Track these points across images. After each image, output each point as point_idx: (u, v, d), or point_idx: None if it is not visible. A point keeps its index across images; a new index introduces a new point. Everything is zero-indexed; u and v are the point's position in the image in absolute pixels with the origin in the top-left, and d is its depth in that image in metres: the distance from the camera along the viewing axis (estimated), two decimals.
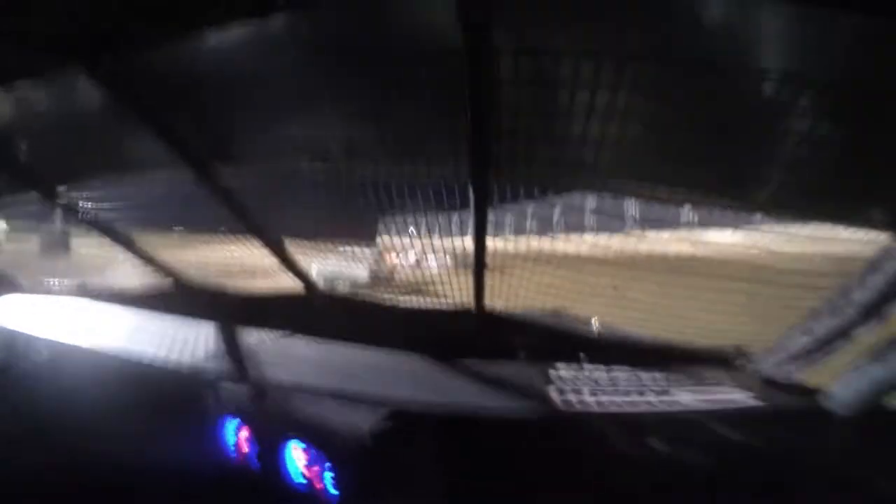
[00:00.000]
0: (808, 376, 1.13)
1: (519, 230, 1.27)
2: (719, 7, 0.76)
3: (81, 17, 0.83)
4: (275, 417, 1.06)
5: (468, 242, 1.31)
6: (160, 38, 0.89)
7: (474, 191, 1.13)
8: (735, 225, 1.16)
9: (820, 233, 1.06)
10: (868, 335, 0.99)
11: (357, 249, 1.72)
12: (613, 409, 1.04)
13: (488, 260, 1.36)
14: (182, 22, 0.85)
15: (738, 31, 0.78)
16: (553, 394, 1.09)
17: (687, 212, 1.24)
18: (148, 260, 1.82)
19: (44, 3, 0.81)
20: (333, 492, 0.97)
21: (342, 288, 1.83)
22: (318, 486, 0.99)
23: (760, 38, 0.78)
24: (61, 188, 1.55)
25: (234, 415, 1.09)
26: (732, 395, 1.11)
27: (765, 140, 0.93)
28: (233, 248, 1.65)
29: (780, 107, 0.86)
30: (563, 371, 1.27)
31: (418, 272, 1.74)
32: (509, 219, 1.27)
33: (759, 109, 0.88)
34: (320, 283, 1.70)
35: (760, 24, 0.76)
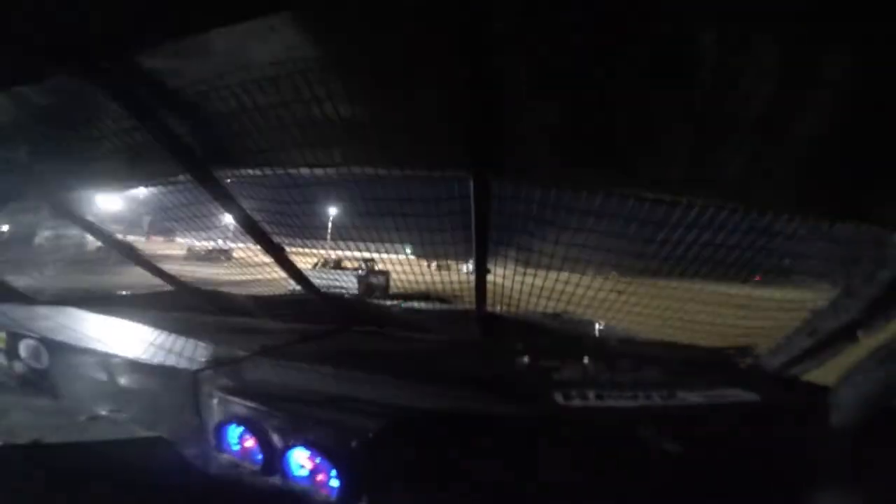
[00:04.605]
0: (814, 375, 1.12)
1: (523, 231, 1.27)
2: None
3: (81, 18, 0.83)
4: (278, 421, 1.05)
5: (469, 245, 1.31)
6: (160, 40, 0.89)
7: (475, 191, 1.12)
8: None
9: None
10: (873, 333, 0.98)
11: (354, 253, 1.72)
12: (617, 408, 1.04)
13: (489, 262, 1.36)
14: (182, 23, 0.85)
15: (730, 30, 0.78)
16: (555, 394, 1.09)
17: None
18: (148, 263, 1.82)
19: (44, 5, 0.81)
20: (337, 494, 0.96)
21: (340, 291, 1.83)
22: (322, 488, 0.99)
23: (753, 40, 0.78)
24: (61, 190, 1.55)
25: (237, 418, 1.08)
26: (737, 395, 1.11)
27: (766, 138, 0.93)
28: (232, 249, 1.64)
29: (782, 104, 0.86)
30: (565, 372, 1.26)
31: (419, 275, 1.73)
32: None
33: (759, 106, 0.87)
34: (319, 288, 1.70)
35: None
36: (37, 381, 1.44)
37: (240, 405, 1.08)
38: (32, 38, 0.87)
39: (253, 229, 1.47)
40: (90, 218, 1.70)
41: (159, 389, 1.21)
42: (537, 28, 0.82)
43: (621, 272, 1.39)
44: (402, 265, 1.60)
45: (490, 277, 1.43)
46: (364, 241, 1.53)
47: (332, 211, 1.58)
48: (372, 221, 1.43)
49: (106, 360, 1.32)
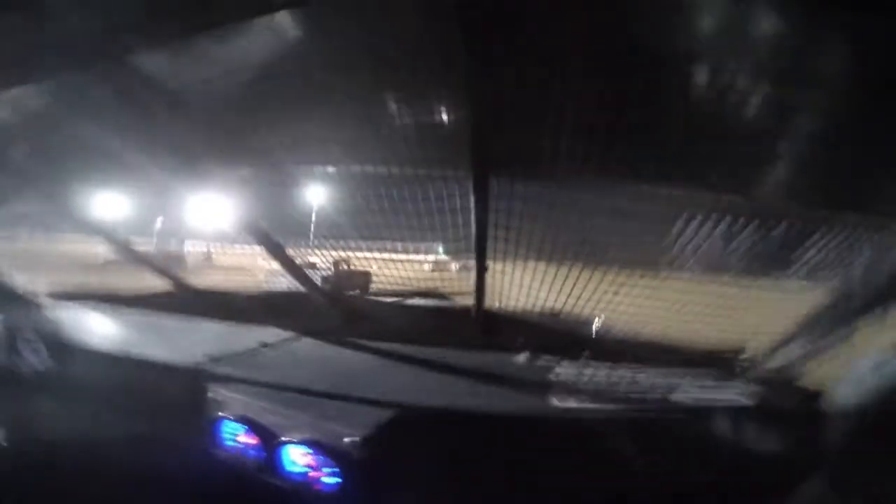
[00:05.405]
0: (810, 376, 1.13)
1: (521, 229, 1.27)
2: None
3: (83, 17, 0.84)
4: (275, 419, 1.05)
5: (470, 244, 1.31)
6: (160, 39, 0.89)
7: (474, 189, 1.12)
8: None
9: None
10: (871, 334, 0.98)
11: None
12: (615, 409, 1.04)
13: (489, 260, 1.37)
14: (182, 22, 0.85)
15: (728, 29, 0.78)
16: (554, 393, 1.09)
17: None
18: (148, 261, 1.82)
19: (47, 4, 0.81)
20: (334, 493, 0.97)
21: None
22: (320, 486, 0.99)
23: (751, 35, 0.78)
24: (61, 189, 1.55)
25: (236, 415, 1.08)
26: (735, 395, 1.11)
27: (767, 136, 0.93)
28: (232, 248, 1.65)
29: (782, 106, 0.86)
30: (564, 371, 1.26)
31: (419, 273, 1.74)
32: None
33: (759, 107, 0.88)
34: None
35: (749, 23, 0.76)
36: (37, 380, 1.44)
37: (239, 402, 1.09)
38: (34, 38, 0.87)
39: (253, 228, 1.47)
40: (91, 218, 1.71)
41: (159, 387, 1.21)
42: (537, 27, 0.83)
43: (620, 271, 1.39)
44: (401, 264, 1.60)
45: (489, 275, 1.43)
46: (363, 240, 1.54)
47: (330, 211, 1.58)
48: (372, 220, 1.43)
49: (106, 359, 1.33)
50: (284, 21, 0.85)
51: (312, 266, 1.70)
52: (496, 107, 0.96)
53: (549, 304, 1.50)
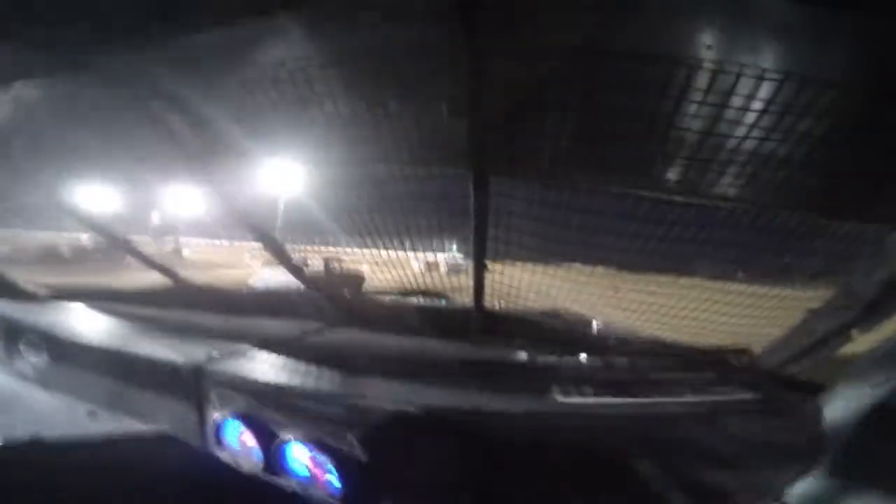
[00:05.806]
0: (811, 375, 1.13)
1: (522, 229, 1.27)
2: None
3: (81, 17, 0.83)
4: (277, 417, 1.05)
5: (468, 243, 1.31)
6: (159, 39, 0.88)
7: (474, 188, 1.12)
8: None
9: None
10: (870, 333, 0.98)
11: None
12: (615, 405, 1.04)
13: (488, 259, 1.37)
14: (181, 22, 0.85)
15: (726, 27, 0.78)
16: (555, 392, 1.09)
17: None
18: (147, 259, 1.82)
19: (44, 4, 0.80)
20: (337, 492, 0.97)
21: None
22: (322, 486, 0.99)
23: (746, 35, 0.78)
24: (61, 188, 1.55)
25: (236, 415, 1.08)
26: (734, 393, 1.11)
27: (767, 139, 0.93)
28: (232, 247, 1.64)
29: (783, 108, 0.86)
30: (564, 370, 1.27)
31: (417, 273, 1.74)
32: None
33: (761, 110, 0.87)
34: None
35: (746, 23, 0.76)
36: (36, 377, 1.44)
37: (239, 401, 1.09)
38: (32, 35, 0.86)
39: (252, 227, 1.47)
40: (91, 214, 1.70)
41: (159, 385, 1.21)
42: (539, 27, 0.82)
43: (619, 270, 1.39)
44: (400, 263, 1.60)
45: (488, 274, 1.43)
46: (362, 239, 1.53)
47: (329, 210, 1.58)
48: (371, 219, 1.43)
49: (106, 356, 1.33)
50: (284, 20, 0.85)
51: (310, 264, 1.70)
52: (497, 107, 0.95)
53: (549, 303, 1.51)
